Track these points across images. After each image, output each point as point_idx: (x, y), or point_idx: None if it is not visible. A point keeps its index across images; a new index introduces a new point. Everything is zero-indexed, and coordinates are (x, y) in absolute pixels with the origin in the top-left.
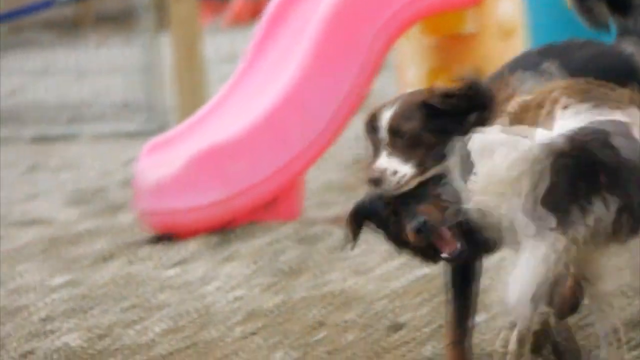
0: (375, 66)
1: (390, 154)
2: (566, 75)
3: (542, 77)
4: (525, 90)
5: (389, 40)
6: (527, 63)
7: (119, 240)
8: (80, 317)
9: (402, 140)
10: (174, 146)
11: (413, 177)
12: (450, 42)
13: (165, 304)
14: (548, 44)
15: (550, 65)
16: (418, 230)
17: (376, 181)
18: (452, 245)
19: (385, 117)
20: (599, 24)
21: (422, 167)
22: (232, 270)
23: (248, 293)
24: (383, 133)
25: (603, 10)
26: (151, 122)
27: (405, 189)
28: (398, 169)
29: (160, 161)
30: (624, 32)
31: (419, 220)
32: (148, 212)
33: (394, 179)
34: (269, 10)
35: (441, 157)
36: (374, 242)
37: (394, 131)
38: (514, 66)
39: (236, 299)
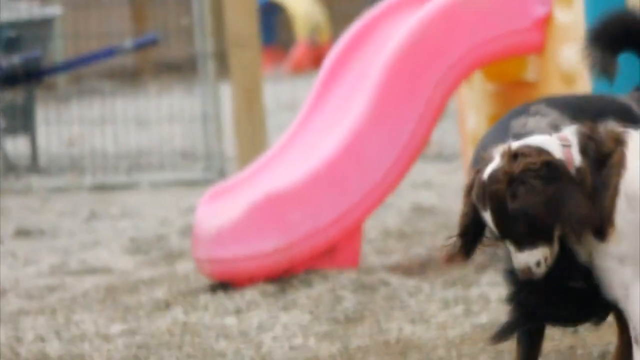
0: (436, 114)
1: (521, 248)
2: (554, 110)
3: (533, 116)
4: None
5: (450, 87)
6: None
7: (176, 289)
8: None
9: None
10: (234, 194)
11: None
12: (512, 89)
13: (223, 353)
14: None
15: (536, 107)
16: None
17: (528, 278)
18: None
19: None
20: (605, 74)
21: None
22: (289, 318)
23: (305, 342)
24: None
25: (610, 63)
26: (210, 171)
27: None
28: (538, 258)
29: (220, 209)
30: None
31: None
32: (206, 259)
33: (541, 270)
34: (330, 58)
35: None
36: (432, 290)
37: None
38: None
39: (293, 347)
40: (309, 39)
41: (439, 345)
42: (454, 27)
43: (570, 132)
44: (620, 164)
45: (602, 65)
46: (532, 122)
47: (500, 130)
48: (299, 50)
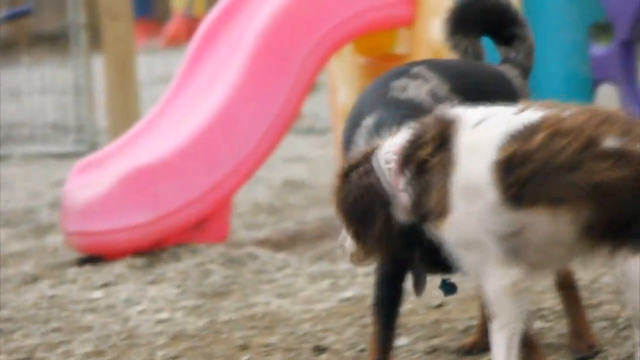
0: (306, 87)
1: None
2: (435, 74)
3: (414, 79)
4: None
5: (320, 60)
6: (399, 71)
7: (45, 262)
8: (2, 339)
9: None
10: (103, 167)
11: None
12: (383, 62)
13: (89, 327)
14: (409, 62)
15: (419, 69)
16: None
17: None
18: None
19: None
20: (470, 58)
21: None
22: (157, 292)
23: (172, 316)
24: None
25: (478, 49)
26: (82, 144)
27: None
28: None
29: (89, 182)
30: (505, 61)
31: None
32: (75, 233)
33: None
34: (201, 30)
35: None
36: (300, 264)
37: None
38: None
39: (160, 321)
40: (185, 12)
41: (306, 319)
42: (323, 1)
43: (392, 144)
44: (443, 165)
45: (472, 51)
46: (412, 86)
47: (379, 89)
48: (174, 24)
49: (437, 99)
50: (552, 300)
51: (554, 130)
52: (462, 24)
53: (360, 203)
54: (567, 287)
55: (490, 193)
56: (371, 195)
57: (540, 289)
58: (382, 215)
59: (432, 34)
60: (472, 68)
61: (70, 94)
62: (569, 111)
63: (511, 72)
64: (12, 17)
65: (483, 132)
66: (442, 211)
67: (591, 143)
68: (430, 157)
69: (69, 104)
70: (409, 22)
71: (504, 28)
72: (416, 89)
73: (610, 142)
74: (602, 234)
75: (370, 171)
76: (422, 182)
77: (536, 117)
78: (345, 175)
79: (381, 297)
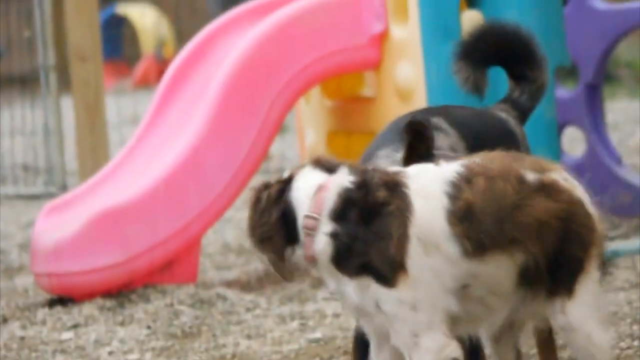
0: (274, 129)
1: None
2: (454, 130)
3: (437, 131)
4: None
5: (287, 103)
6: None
7: (15, 303)
8: None
9: None
10: (72, 208)
11: None
12: (350, 105)
13: None
14: (425, 107)
15: (439, 121)
16: None
17: None
18: None
19: None
20: (469, 87)
21: None
22: (126, 334)
23: (142, 357)
24: None
25: (481, 81)
26: (52, 185)
27: None
28: None
29: (58, 223)
30: (507, 99)
31: None
32: (45, 274)
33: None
34: (170, 71)
35: None
36: (269, 305)
37: None
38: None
39: None
40: (155, 53)
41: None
42: (291, 43)
43: (336, 184)
44: (403, 209)
45: (473, 81)
46: (437, 138)
47: (396, 131)
48: (144, 65)
49: (455, 155)
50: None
51: (485, 175)
52: (471, 53)
53: (265, 220)
54: (542, 329)
55: (448, 245)
56: (275, 217)
57: None
58: (280, 241)
59: (398, 77)
60: (485, 126)
61: (40, 135)
62: (480, 157)
63: (510, 114)
64: None
65: (427, 181)
66: (398, 264)
67: (521, 180)
68: (388, 201)
69: (39, 146)
70: (375, 65)
71: (516, 64)
72: (440, 141)
73: (531, 177)
74: (538, 277)
75: (281, 196)
76: (373, 229)
77: (462, 166)
78: (260, 191)
79: (361, 331)
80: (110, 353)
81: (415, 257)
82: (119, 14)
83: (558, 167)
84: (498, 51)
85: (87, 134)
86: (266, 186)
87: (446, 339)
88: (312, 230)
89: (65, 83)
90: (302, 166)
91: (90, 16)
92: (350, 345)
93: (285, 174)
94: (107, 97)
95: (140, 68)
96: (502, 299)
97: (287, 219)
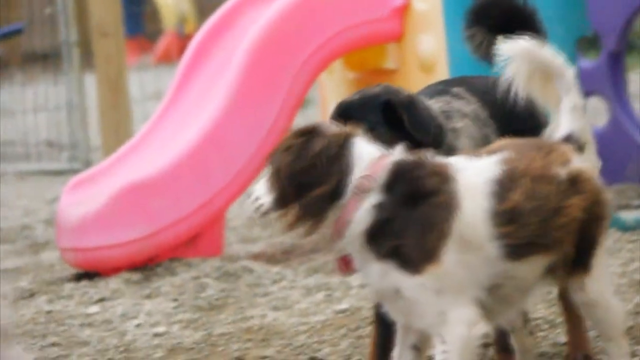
0: (297, 102)
1: None
2: (475, 98)
3: (457, 98)
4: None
5: (310, 76)
6: (438, 90)
7: (41, 278)
8: None
9: None
10: (97, 184)
11: None
12: (372, 77)
13: (87, 342)
14: (444, 80)
15: (460, 90)
16: None
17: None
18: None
19: None
20: (480, 53)
21: None
22: (153, 307)
23: (169, 329)
24: None
25: (491, 47)
26: (76, 161)
27: None
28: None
29: (83, 199)
30: None
31: None
32: (70, 249)
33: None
34: (192, 46)
35: None
36: (294, 277)
37: None
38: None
39: (157, 335)
40: (176, 29)
41: (301, 331)
42: (313, 16)
43: (396, 158)
44: (451, 204)
45: (486, 47)
46: (458, 104)
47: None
48: (166, 41)
49: (479, 121)
50: (545, 310)
51: (530, 176)
52: (484, 18)
53: (318, 167)
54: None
55: (490, 245)
56: (333, 167)
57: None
58: (329, 190)
59: (421, 49)
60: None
61: (64, 111)
62: (509, 147)
63: None
64: (4, 37)
65: (474, 178)
66: (432, 257)
67: (558, 181)
68: (437, 191)
69: (62, 122)
70: (398, 37)
71: (520, 31)
72: (464, 108)
73: (563, 174)
74: (563, 267)
75: (344, 149)
76: (417, 215)
77: (504, 163)
78: (311, 133)
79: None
80: (137, 326)
81: (452, 253)
82: None
83: (567, 148)
84: (507, 20)
85: (110, 109)
86: (310, 132)
87: (475, 315)
88: (362, 193)
89: (87, 59)
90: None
91: None
92: None
93: (338, 127)
94: (130, 73)
95: (162, 44)
96: (525, 294)
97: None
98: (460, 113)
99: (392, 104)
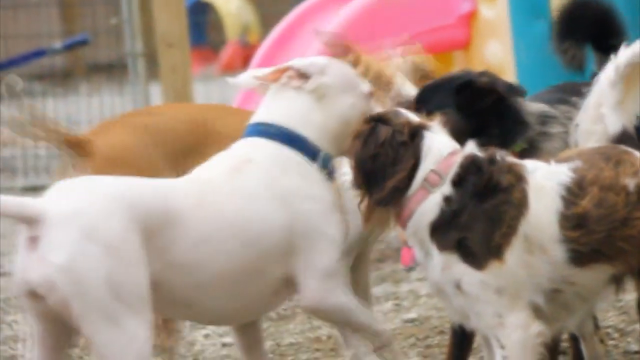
0: None
1: None
2: None
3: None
4: None
5: None
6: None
7: None
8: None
9: None
10: None
11: None
12: None
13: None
14: (550, 87)
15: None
16: None
17: None
18: None
19: None
20: (574, 65)
21: None
22: None
23: None
24: None
25: (579, 54)
26: None
27: None
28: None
29: None
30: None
31: None
32: None
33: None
34: (258, 56)
35: None
36: None
37: None
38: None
39: (225, 345)
40: (239, 39)
41: None
42: (379, 25)
43: (469, 153)
44: (521, 203)
45: (579, 59)
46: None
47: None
48: (229, 51)
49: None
50: (615, 318)
51: (599, 185)
52: (573, 28)
53: (382, 156)
54: None
55: (555, 248)
56: (398, 157)
57: (604, 307)
58: (396, 181)
59: (488, 56)
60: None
61: None
62: (589, 157)
63: None
64: (70, 47)
65: (544, 181)
66: (497, 253)
67: (627, 192)
68: (510, 189)
69: None
70: (465, 44)
71: (606, 38)
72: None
73: (632, 185)
74: (630, 277)
75: (412, 140)
76: (486, 209)
77: (574, 171)
78: (379, 120)
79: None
80: (205, 336)
81: (516, 252)
82: (204, 0)
83: (637, 158)
84: (593, 26)
85: None
86: (383, 121)
87: (531, 318)
88: (431, 186)
89: (152, 70)
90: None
91: (177, 3)
92: (446, 325)
93: (411, 117)
94: (194, 83)
95: (226, 54)
96: (586, 302)
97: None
98: (566, 119)
99: (475, 84)
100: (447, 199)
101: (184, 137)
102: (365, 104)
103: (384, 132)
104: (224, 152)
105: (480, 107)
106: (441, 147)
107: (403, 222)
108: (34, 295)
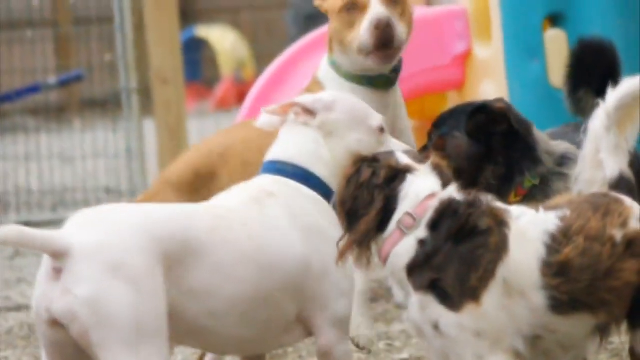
0: None
1: None
2: None
3: None
4: None
5: None
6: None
7: None
8: None
9: None
10: None
11: None
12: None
13: None
14: (557, 128)
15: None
16: None
17: None
18: None
19: None
20: (583, 111)
21: None
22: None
23: None
24: None
25: (590, 101)
26: None
27: None
28: None
29: None
30: None
31: None
32: None
33: None
34: (252, 94)
35: None
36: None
37: None
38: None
39: None
40: (234, 75)
41: None
42: None
43: (446, 196)
44: (499, 247)
45: (591, 106)
46: None
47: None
48: (223, 87)
49: None
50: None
51: (584, 234)
52: (588, 76)
53: (360, 198)
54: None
55: (535, 294)
56: (375, 198)
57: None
58: (371, 221)
59: (482, 96)
60: None
61: (123, 158)
62: (577, 206)
63: None
64: (64, 83)
65: (528, 227)
66: (473, 295)
67: (613, 243)
68: (489, 232)
69: (121, 168)
70: (459, 84)
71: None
72: None
73: (619, 236)
74: (615, 329)
75: (391, 182)
76: (462, 252)
77: (560, 219)
78: (364, 162)
79: None
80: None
81: (494, 295)
82: (198, 37)
83: (626, 207)
84: (606, 74)
85: (170, 156)
86: (368, 162)
87: None
88: (406, 229)
89: (146, 106)
90: (417, 160)
91: (172, 39)
92: None
93: (399, 159)
94: (188, 119)
95: (220, 90)
96: (568, 351)
97: (385, 206)
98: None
99: (489, 109)
100: (421, 242)
101: None
102: (374, 139)
103: (365, 173)
104: (244, 184)
105: (491, 133)
106: (419, 191)
107: (383, 262)
108: (54, 323)
